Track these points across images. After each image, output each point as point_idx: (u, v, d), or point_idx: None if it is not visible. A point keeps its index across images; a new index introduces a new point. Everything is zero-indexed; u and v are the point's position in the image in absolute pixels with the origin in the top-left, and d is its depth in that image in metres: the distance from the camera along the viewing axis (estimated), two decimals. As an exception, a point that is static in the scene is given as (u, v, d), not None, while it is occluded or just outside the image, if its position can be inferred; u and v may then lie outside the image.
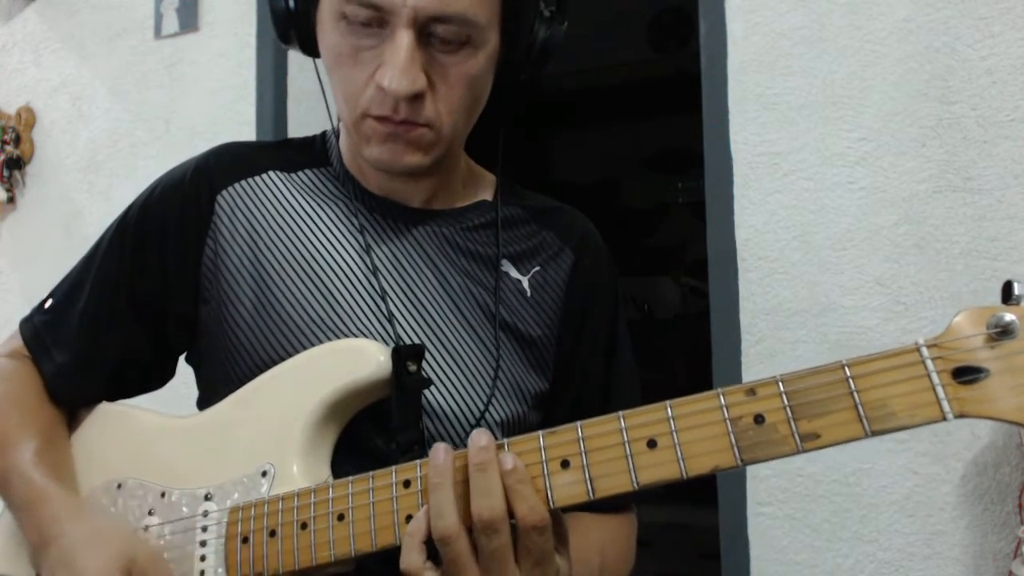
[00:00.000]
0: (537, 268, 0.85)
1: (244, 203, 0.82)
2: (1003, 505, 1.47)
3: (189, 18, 2.26)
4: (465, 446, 0.77)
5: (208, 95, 2.24)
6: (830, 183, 1.61)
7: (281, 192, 0.83)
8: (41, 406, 0.82)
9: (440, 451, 0.61)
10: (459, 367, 0.78)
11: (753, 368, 1.64)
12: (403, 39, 0.69)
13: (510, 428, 0.80)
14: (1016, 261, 1.48)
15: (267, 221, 0.81)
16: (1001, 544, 1.47)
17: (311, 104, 2.18)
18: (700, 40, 1.74)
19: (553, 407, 0.84)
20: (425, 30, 0.70)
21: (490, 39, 0.74)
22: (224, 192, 0.82)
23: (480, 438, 0.60)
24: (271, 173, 0.84)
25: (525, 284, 0.84)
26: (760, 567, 1.62)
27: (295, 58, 2.17)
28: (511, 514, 0.58)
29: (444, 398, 0.77)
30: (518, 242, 0.86)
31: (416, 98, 0.71)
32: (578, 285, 0.86)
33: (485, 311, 0.81)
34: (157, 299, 0.82)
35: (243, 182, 0.83)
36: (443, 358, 0.78)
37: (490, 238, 0.84)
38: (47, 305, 0.86)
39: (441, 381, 0.77)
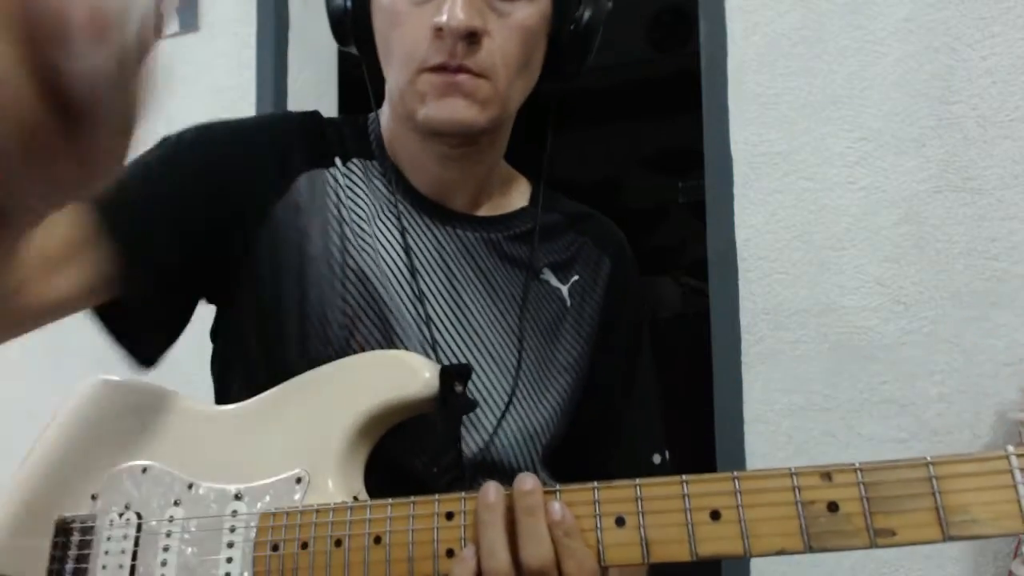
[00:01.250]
0: (576, 277, 0.84)
1: (315, 190, 0.79)
2: (1003, 505, 1.47)
3: (189, 18, 2.26)
4: (493, 452, 0.74)
5: (208, 95, 2.24)
6: (830, 183, 1.61)
7: (340, 186, 0.80)
8: None
9: (491, 489, 0.59)
10: (498, 374, 0.77)
11: (753, 368, 1.64)
12: None
13: (545, 435, 0.79)
14: (1016, 261, 1.48)
15: (326, 213, 0.79)
16: (1001, 544, 1.47)
17: (311, 104, 2.17)
18: (700, 40, 1.74)
19: (577, 415, 0.84)
20: None
21: None
22: (305, 175, 0.79)
23: (526, 481, 0.58)
24: (336, 162, 0.81)
25: (565, 293, 0.83)
26: (760, 567, 1.61)
27: (295, 58, 2.17)
28: (558, 565, 0.56)
29: (482, 407, 0.76)
30: (560, 252, 0.85)
31: (473, 42, 0.70)
32: (614, 294, 0.86)
33: (531, 321, 0.81)
34: (208, 227, 0.76)
35: (317, 171, 0.80)
36: (486, 369, 0.77)
37: (533, 246, 0.84)
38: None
39: (482, 390, 0.76)
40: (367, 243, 0.78)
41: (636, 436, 0.86)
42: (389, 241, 0.79)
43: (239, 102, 2.19)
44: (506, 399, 0.76)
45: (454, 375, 0.68)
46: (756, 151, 1.67)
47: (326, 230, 0.78)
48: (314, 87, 2.21)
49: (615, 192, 5.07)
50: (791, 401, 1.60)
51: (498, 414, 0.76)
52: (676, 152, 4.67)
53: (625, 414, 0.86)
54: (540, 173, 0.88)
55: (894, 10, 1.59)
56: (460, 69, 0.71)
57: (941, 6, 1.56)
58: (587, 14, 0.78)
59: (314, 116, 0.85)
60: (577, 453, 0.83)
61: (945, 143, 1.54)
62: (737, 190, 1.68)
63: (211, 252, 0.76)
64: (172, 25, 2.29)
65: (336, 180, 0.80)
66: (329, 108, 2.19)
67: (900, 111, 1.57)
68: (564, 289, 0.83)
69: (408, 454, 0.73)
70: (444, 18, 0.69)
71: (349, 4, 0.77)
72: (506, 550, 0.57)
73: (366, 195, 0.81)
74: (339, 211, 0.79)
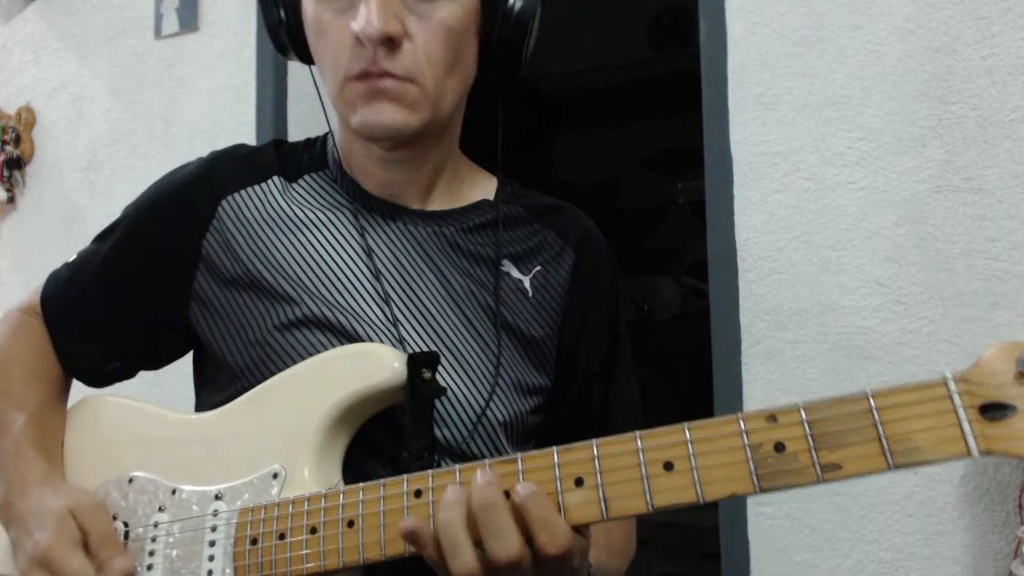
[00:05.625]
0: (538, 268, 0.85)
1: (248, 209, 0.83)
2: (1003, 505, 1.47)
3: (189, 18, 2.26)
4: (465, 444, 0.75)
5: (208, 95, 2.24)
6: (830, 183, 1.61)
7: (283, 199, 0.83)
8: (46, 371, 0.85)
9: (450, 490, 0.59)
10: (461, 367, 0.78)
11: (753, 368, 1.64)
12: None
13: (511, 428, 0.79)
14: (1016, 261, 1.48)
15: (270, 228, 0.82)
16: (1001, 544, 1.47)
17: (311, 104, 2.17)
18: (700, 40, 1.74)
19: (553, 409, 0.84)
20: None
21: None
22: (229, 198, 0.83)
23: (481, 476, 0.58)
24: (274, 179, 0.85)
25: (527, 284, 0.84)
26: (760, 567, 1.62)
27: (295, 58, 2.17)
28: (529, 540, 0.57)
29: (446, 397, 0.76)
30: (519, 242, 0.85)
31: (393, 47, 0.71)
32: (579, 285, 0.86)
33: (487, 311, 0.81)
34: (151, 299, 0.84)
35: (247, 189, 0.84)
36: (445, 358, 0.78)
37: (491, 238, 0.84)
38: (64, 275, 0.89)
39: (444, 381, 0.77)
40: (319, 249, 0.81)
41: (624, 426, 0.86)
42: (343, 245, 0.81)
43: (239, 102, 2.19)
44: (483, 396, 0.77)
45: (422, 362, 0.70)
46: (756, 151, 1.67)
47: (264, 245, 0.81)
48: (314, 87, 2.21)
49: (615, 192, 5.07)
50: (791, 401, 1.59)
51: (463, 409, 0.76)
52: (676, 152, 4.67)
53: (611, 406, 0.87)
54: (499, 147, 0.89)
55: (894, 10, 1.59)
56: (383, 74, 0.72)
57: (941, 6, 1.56)
58: (518, 5, 0.78)
59: (248, 147, 0.89)
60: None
61: (945, 143, 1.54)
62: (737, 190, 1.68)
63: (160, 317, 0.84)
64: (172, 25, 2.29)
65: (272, 193, 0.84)
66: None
67: (900, 111, 1.57)
68: (526, 280, 0.84)
69: (383, 442, 0.74)
70: (360, 26, 0.70)
71: (283, 16, 0.79)
72: (468, 547, 0.57)
73: (320, 204, 0.83)
74: (280, 222, 0.82)
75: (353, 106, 0.74)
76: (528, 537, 0.57)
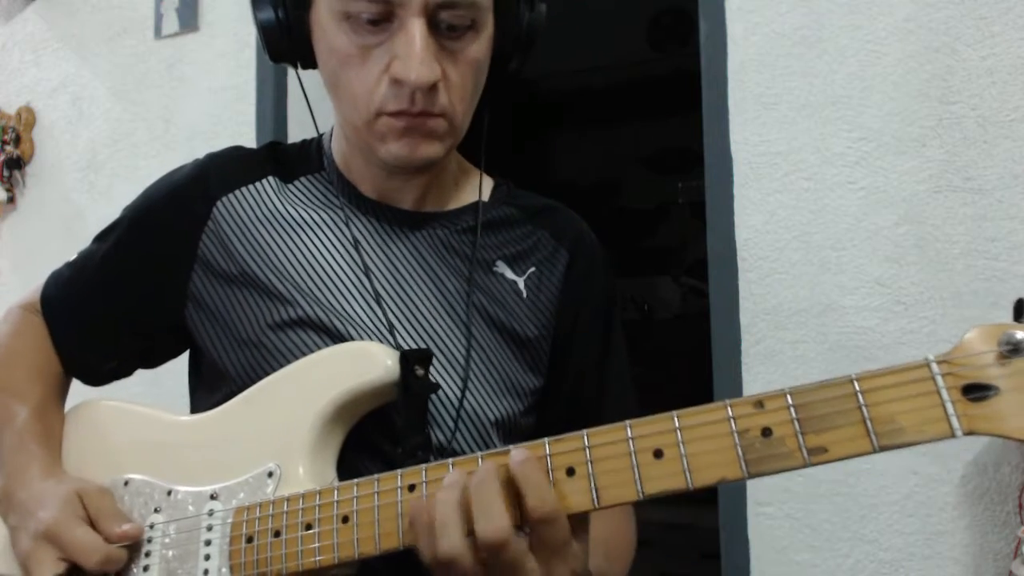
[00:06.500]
0: (533, 269, 0.85)
1: (244, 209, 0.83)
2: (1003, 505, 1.47)
3: (189, 18, 2.26)
4: (455, 445, 0.76)
5: (208, 95, 2.24)
6: (830, 183, 1.61)
7: (279, 199, 0.84)
8: (48, 368, 0.86)
9: (450, 474, 0.59)
10: (454, 368, 0.78)
11: (753, 368, 1.64)
12: (416, 28, 0.70)
13: (504, 428, 0.80)
14: (1016, 261, 1.48)
15: (266, 227, 0.82)
16: (1001, 544, 1.47)
17: (312, 104, 2.17)
18: (700, 40, 1.74)
19: (546, 408, 0.85)
20: (433, 18, 0.71)
21: (489, 21, 0.75)
22: (224, 199, 0.83)
23: (483, 463, 0.59)
24: (270, 180, 0.85)
25: (521, 285, 0.84)
26: (760, 567, 1.62)
27: (295, 58, 2.17)
28: (522, 507, 0.57)
29: (439, 398, 0.77)
30: (513, 243, 0.86)
31: (432, 88, 0.72)
32: (573, 285, 0.86)
33: (481, 313, 0.81)
34: (148, 299, 0.84)
35: (242, 189, 0.84)
36: (437, 359, 0.78)
37: (484, 240, 0.85)
38: (64, 274, 0.89)
39: (436, 381, 0.77)
40: (312, 250, 0.81)
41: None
42: (337, 246, 0.81)
43: (239, 102, 2.19)
44: (459, 393, 0.77)
45: (414, 359, 0.70)
46: (756, 151, 1.67)
47: (260, 244, 0.81)
48: (314, 88, 2.21)
49: (615, 192, 5.07)
50: (791, 401, 1.59)
51: (452, 409, 0.77)
52: (676, 152, 4.68)
53: (596, 413, 0.86)
54: (482, 156, 0.89)
55: (894, 10, 1.59)
56: (422, 114, 0.73)
57: (941, 6, 1.56)
58: (527, 24, 0.79)
59: (243, 149, 0.90)
60: None
61: (945, 143, 1.54)
62: (737, 190, 1.68)
63: (157, 317, 0.84)
64: (172, 25, 2.29)
65: (267, 193, 0.84)
66: (328, 108, 2.19)
67: (900, 111, 1.57)
68: (520, 281, 0.84)
69: (377, 440, 0.74)
70: (407, 75, 0.70)
71: (282, 17, 0.77)
72: (458, 528, 0.57)
73: (315, 205, 0.84)
74: (276, 221, 0.82)
75: (383, 138, 0.75)
76: (519, 508, 0.57)
